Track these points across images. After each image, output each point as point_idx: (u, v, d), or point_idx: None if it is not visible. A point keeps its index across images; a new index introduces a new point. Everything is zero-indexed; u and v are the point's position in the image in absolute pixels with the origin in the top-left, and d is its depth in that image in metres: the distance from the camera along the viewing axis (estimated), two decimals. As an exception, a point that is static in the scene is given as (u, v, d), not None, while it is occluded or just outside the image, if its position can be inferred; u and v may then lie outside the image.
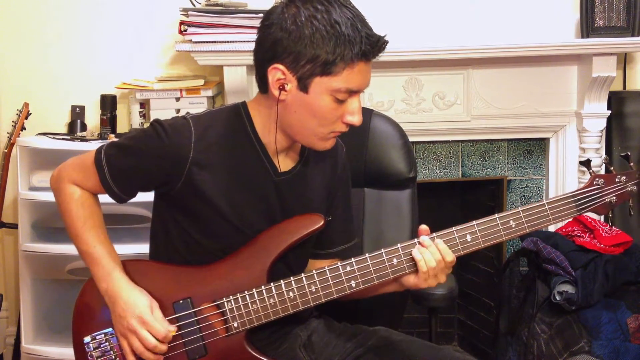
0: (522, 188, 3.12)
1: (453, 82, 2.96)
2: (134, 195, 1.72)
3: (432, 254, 1.60)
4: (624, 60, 3.09)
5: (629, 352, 2.54)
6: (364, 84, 1.57)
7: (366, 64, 1.55)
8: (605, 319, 2.57)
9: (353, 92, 1.57)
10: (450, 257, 1.61)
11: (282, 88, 1.56)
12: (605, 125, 2.98)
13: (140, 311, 1.61)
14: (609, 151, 3.07)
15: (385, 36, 1.56)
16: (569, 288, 2.60)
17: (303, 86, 1.54)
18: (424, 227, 1.65)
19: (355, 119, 1.59)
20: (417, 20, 2.97)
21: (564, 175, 3.05)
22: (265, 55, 1.56)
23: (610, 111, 2.98)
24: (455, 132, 3.02)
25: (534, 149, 3.10)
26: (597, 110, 2.96)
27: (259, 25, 1.59)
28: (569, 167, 3.04)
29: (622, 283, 2.63)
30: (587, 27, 2.86)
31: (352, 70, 1.53)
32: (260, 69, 1.59)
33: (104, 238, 1.70)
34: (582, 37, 2.88)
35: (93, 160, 1.68)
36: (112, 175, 1.66)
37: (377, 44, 1.54)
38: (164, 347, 1.63)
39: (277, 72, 1.54)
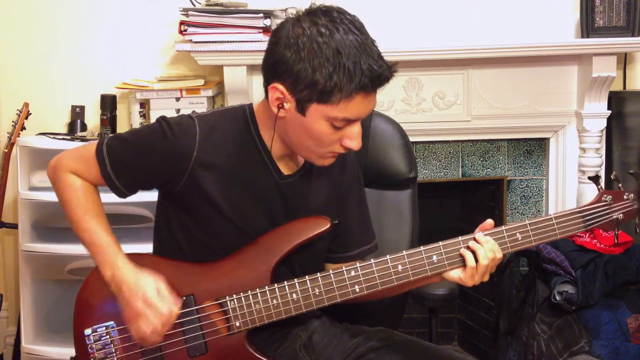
0: (522, 188, 3.12)
1: (453, 82, 2.96)
2: (135, 192, 1.71)
3: (487, 251, 1.59)
4: (624, 60, 3.10)
5: (629, 352, 2.54)
6: (364, 113, 1.55)
7: (366, 95, 1.51)
8: (605, 319, 2.57)
9: (352, 121, 1.55)
10: (500, 254, 1.61)
11: (280, 106, 1.55)
12: (605, 125, 2.98)
13: (144, 292, 1.59)
14: (608, 151, 3.07)
15: (391, 67, 1.52)
16: (569, 288, 2.60)
17: (301, 109, 1.53)
18: (488, 222, 1.64)
19: (354, 144, 1.57)
20: (417, 20, 2.97)
21: (564, 175, 3.05)
22: (268, 71, 1.56)
23: (610, 111, 2.98)
24: (455, 132, 3.02)
25: (534, 149, 3.10)
26: (597, 110, 2.96)
27: (269, 37, 1.58)
28: (569, 167, 3.04)
29: (622, 283, 2.63)
30: (587, 27, 2.86)
31: (350, 102, 1.50)
32: (265, 81, 1.59)
33: (106, 227, 1.69)
34: (582, 37, 2.88)
35: (94, 152, 1.67)
36: (114, 168, 1.66)
37: (379, 78, 1.50)
38: (165, 329, 1.61)
39: (276, 92, 1.54)
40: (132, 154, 1.66)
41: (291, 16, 1.56)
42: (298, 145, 1.61)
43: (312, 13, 1.52)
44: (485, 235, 1.61)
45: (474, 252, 1.60)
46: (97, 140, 1.70)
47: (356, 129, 1.56)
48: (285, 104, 1.54)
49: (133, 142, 1.67)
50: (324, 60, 1.47)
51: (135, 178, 1.68)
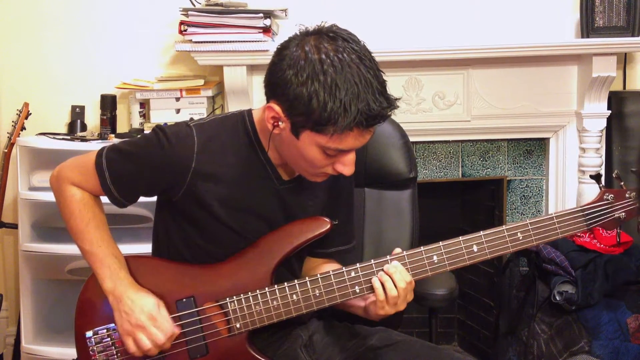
0: (522, 188, 3.12)
1: (453, 82, 2.96)
2: (135, 201, 1.72)
3: (398, 281, 1.57)
4: (624, 60, 3.09)
5: (629, 352, 2.54)
6: (358, 146, 1.53)
7: (361, 131, 1.49)
8: (605, 319, 2.57)
9: (345, 151, 1.53)
10: (409, 277, 1.58)
11: (276, 125, 1.54)
12: (605, 125, 2.98)
13: (149, 308, 1.61)
14: (608, 151, 3.07)
15: (391, 104, 1.49)
16: (569, 288, 2.60)
17: (295, 132, 1.52)
18: (397, 250, 1.62)
19: (346, 171, 1.56)
20: (417, 20, 2.97)
21: (564, 175, 3.05)
22: (268, 88, 1.55)
23: (610, 111, 2.98)
24: (455, 132, 3.02)
25: (534, 149, 3.10)
26: (597, 110, 2.96)
27: (275, 52, 1.55)
28: (569, 167, 3.04)
29: (622, 283, 2.63)
30: (587, 27, 2.86)
31: (343, 136, 1.48)
32: (265, 95, 1.57)
33: (108, 238, 1.70)
34: (582, 37, 2.88)
35: (94, 163, 1.67)
36: (113, 180, 1.66)
37: (375, 117, 1.47)
38: (169, 345, 1.63)
39: (272, 111, 1.53)
40: (130, 166, 1.66)
41: (298, 33, 1.53)
42: (291, 161, 1.62)
43: (319, 35, 1.50)
44: (392, 259, 1.59)
45: (383, 284, 1.57)
46: (96, 150, 1.69)
47: (349, 157, 1.55)
48: (280, 123, 1.53)
49: (131, 153, 1.66)
50: (321, 90, 1.44)
51: (134, 189, 1.69)
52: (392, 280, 1.57)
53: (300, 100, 1.46)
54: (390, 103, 1.49)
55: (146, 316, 1.61)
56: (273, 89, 1.52)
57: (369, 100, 1.45)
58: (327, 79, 1.44)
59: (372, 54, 1.51)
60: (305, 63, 1.46)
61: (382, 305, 1.59)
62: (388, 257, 1.62)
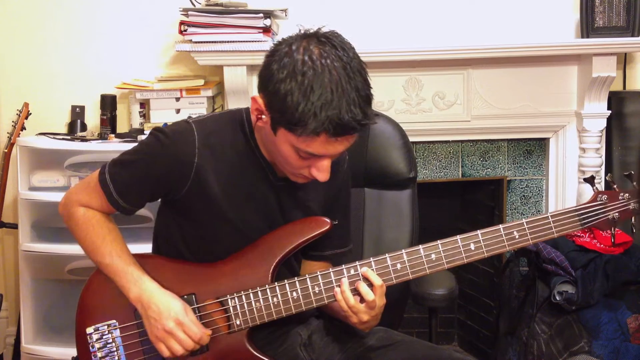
0: (522, 188, 3.12)
1: (453, 82, 2.96)
2: (142, 206, 1.73)
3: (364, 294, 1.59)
4: (624, 60, 3.10)
5: (629, 352, 2.54)
6: (330, 153, 1.52)
7: (329, 138, 1.47)
8: (605, 319, 2.57)
9: (317, 156, 1.52)
10: (371, 296, 1.60)
11: (259, 117, 1.55)
12: (605, 125, 2.98)
13: (176, 313, 1.61)
14: (608, 151, 3.07)
15: (366, 117, 1.46)
16: (569, 288, 2.60)
17: (273, 127, 1.53)
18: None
19: (320, 177, 1.56)
20: (417, 20, 2.97)
21: (564, 175, 3.05)
22: (258, 78, 1.56)
23: (610, 111, 2.98)
24: (455, 132, 3.02)
25: (534, 149, 3.10)
26: (597, 110, 2.96)
27: (274, 43, 1.56)
28: (569, 167, 3.04)
29: (622, 283, 2.63)
30: (587, 27, 2.86)
31: (312, 139, 1.48)
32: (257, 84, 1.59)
33: (126, 249, 1.71)
34: (582, 37, 2.88)
35: (98, 181, 1.69)
36: (119, 191, 1.67)
37: (344, 127, 1.45)
38: (205, 343, 1.63)
39: (255, 103, 1.54)
40: (134, 172, 1.67)
41: (299, 32, 1.54)
42: (273, 157, 1.63)
43: (310, 37, 1.50)
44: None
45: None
46: (98, 169, 1.71)
47: (323, 163, 1.54)
48: (262, 117, 1.55)
49: (132, 160, 1.68)
50: (297, 90, 1.44)
51: (141, 194, 1.70)
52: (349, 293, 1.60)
53: (277, 96, 1.47)
54: (366, 117, 1.47)
55: (173, 322, 1.60)
56: (260, 81, 1.54)
57: (341, 109, 1.44)
58: (304, 80, 1.44)
59: (365, 67, 1.50)
60: (288, 61, 1.47)
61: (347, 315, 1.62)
62: (387, 255, 1.63)
